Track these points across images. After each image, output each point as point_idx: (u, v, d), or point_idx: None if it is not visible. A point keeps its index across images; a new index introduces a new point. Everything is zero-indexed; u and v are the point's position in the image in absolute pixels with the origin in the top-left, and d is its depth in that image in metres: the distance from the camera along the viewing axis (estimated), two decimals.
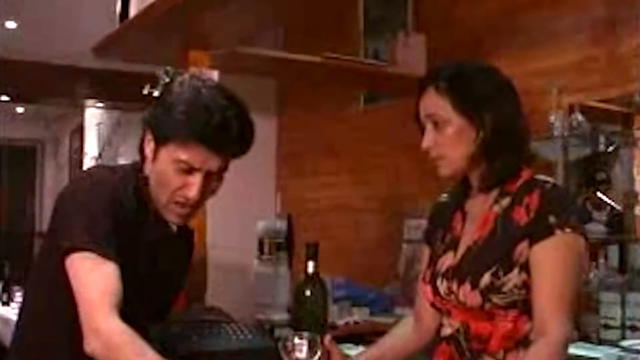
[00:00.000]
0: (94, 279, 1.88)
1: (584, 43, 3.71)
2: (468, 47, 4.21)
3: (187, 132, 1.97)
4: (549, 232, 1.94)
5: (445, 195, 2.30)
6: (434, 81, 2.06)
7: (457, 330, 2.05)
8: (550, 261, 1.94)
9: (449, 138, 2.04)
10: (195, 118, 1.97)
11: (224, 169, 2.07)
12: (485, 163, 2.05)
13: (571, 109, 3.62)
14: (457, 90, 2.03)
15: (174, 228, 2.18)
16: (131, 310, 1.89)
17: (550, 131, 3.62)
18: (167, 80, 4.32)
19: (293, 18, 4.85)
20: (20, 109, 10.96)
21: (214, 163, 2.02)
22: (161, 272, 2.16)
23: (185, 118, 1.98)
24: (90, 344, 1.84)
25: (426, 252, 2.26)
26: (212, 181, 2.06)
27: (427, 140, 2.07)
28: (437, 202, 2.32)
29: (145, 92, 5.35)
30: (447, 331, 2.09)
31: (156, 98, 4.62)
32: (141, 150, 2.10)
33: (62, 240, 1.96)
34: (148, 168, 2.08)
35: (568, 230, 1.94)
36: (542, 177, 2.05)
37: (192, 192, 2.02)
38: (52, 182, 12.45)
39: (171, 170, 2.01)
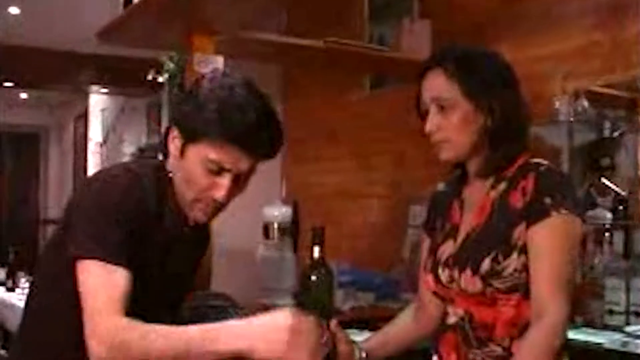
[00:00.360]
0: (100, 287, 1.83)
1: (587, 28, 3.70)
2: (472, 33, 4.21)
3: (220, 131, 1.90)
4: (545, 213, 1.92)
5: (442, 184, 2.30)
6: (442, 64, 2.03)
7: (462, 319, 2.05)
8: (546, 243, 1.93)
9: (454, 122, 2.01)
10: (229, 117, 1.90)
11: (252, 170, 2.00)
12: (488, 150, 2.04)
13: (576, 94, 3.61)
14: (467, 75, 2.01)
15: (191, 223, 2.12)
16: (144, 309, 1.87)
17: (555, 116, 3.62)
18: (171, 66, 4.32)
19: (297, 3, 4.84)
20: (23, 95, 10.95)
21: (244, 164, 1.96)
22: (176, 269, 2.13)
23: (218, 117, 1.90)
24: (94, 352, 1.77)
25: (426, 241, 2.25)
26: (240, 182, 2.00)
27: (431, 124, 2.04)
28: (435, 191, 2.32)
29: (149, 77, 5.37)
30: (451, 319, 2.09)
31: (160, 84, 4.61)
32: (165, 145, 2.05)
33: (71, 246, 1.90)
34: (173, 164, 2.03)
35: (564, 211, 1.93)
36: (537, 160, 2.03)
37: (221, 193, 1.97)
38: (56, 168, 12.44)
39: (200, 170, 1.95)
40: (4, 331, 4.99)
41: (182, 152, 1.97)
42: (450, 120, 2.02)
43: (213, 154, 1.92)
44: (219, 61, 3.32)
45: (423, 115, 2.08)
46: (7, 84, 9.57)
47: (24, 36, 7.46)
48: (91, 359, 1.78)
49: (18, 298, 5.53)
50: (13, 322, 5.18)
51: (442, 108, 2.02)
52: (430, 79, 2.06)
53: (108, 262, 1.84)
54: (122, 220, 1.90)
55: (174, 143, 2.00)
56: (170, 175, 2.04)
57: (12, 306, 5.43)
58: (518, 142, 2.05)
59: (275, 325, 1.76)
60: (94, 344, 1.76)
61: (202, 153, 1.93)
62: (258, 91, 1.99)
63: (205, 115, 1.91)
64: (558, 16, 3.82)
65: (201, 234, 2.24)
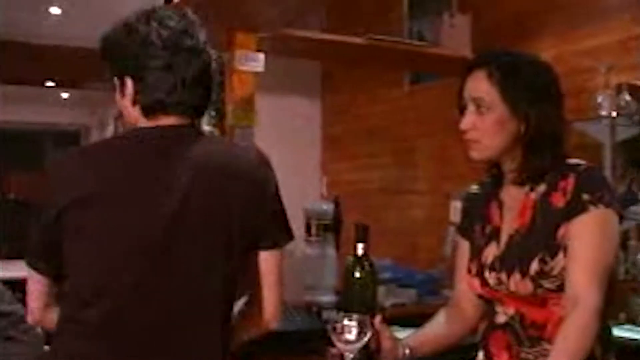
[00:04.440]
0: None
1: (627, 22, 3.67)
2: (512, 27, 4.19)
3: None
4: (583, 209, 1.95)
5: (475, 186, 2.30)
6: (487, 66, 2.05)
7: (512, 318, 2.06)
8: (583, 234, 1.95)
9: (489, 124, 2.03)
10: None
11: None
12: (521, 158, 2.05)
13: (618, 89, 3.57)
14: (509, 80, 2.02)
15: None
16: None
17: (598, 111, 3.59)
18: None
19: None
20: (65, 95, 11.04)
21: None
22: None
23: None
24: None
25: (464, 245, 2.25)
26: None
27: (467, 123, 2.06)
28: (468, 194, 2.32)
29: None
30: (501, 319, 2.09)
31: None
32: None
33: None
34: None
35: (601, 206, 1.95)
36: (575, 160, 2.05)
37: None
38: None
39: None
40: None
41: None
42: (484, 122, 2.03)
43: None
44: (261, 58, 3.33)
45: (462, 112, 2.10)
46: (49, 84, 9.67)
47: (64, 36, 7.52)
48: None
49: None
50: None
51: (479, 108, 2.04)
52: (472, 78, 2.07)
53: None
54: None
55: None
56: None
57: None
58: (552, 152, 2.05)
59: None
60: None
61: None
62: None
63: None
64: (598, 10, 3.79)
65: None
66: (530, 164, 2.04)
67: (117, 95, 2.02)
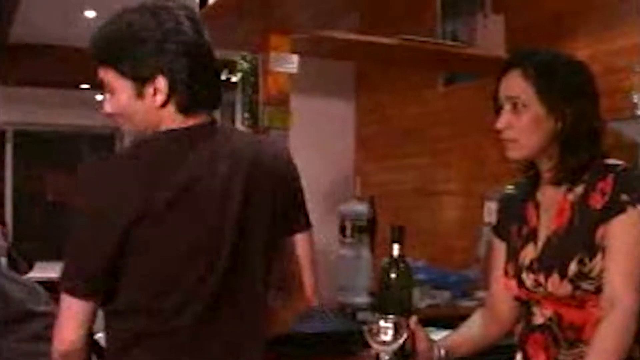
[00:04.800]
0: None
1: None
2: (547, 27, 4.16)
3: None
4: (621, 209, 1.95)
5: (511, 187, 2.30)
6: (522, 65, 2.06)
7: (550, 319, 2.05)
8: (621, 236, 1.95)
9: (525, 123, 2.04)
10: None
11: (111, 83, 1.98)
12: (558, 156, 2.05)
13: None
14: (544, 78, 2.03)
15: None
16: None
17: (634, 111, 3.56)
18: (244, 65, 4.35)
19: (370, 0, 4.84)
20: (99, 97, 11.10)
21: (101, 74, 2.01)
22: None
23: None
24: None
25: (499, 246, 2.25)
26: (110, 96, 2.01)
27: (502, 122, 2.07)
28: (504, 194, 2.32)
29: (222, 77, 5.40)
30: (538, 320, 2.09)
31: (233, 84, 4.64)
32: None
33: None
34: None
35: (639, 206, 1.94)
36: (612, 161, 2.04)
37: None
38: None
39: None
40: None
41: None
42: (520, 120, 2.04)
43: None
44: (295, 60, 3.34)
45: (497, 112, 2.10)
46: (83, 86, 9.74)
47: None
48: None
49: None
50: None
51: (515, 107, 2.05)
52: (508, 77, 2.08)
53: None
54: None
55: None
56: None
57: None
58: (589, 151, 2.05)
59: None
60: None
61: None
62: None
63: None
64: (633, 9, 3.76)
65: None
66: (567, 162, 2.04)
67: (130, 98, 1.94)
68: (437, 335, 2.34)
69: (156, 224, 1.82)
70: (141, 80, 1.92)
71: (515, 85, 2.06)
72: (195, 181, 1.89)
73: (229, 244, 1.92)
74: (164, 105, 1.93)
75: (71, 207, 1.93)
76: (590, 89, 2.09)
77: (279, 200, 2.04)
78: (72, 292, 1.87)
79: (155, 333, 1.89)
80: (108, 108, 2.00)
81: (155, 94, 1.92)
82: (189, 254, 1.88)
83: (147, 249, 1.84)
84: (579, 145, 2.03)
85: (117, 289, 1.88)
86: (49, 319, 3.77)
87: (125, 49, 1.92)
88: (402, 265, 2.16)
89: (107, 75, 1.96)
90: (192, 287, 1.88)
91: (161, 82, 1.92)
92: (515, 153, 2.08)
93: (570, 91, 2.03)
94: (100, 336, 2.83)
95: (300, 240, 2.15)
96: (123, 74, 1.93)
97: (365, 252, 3.14)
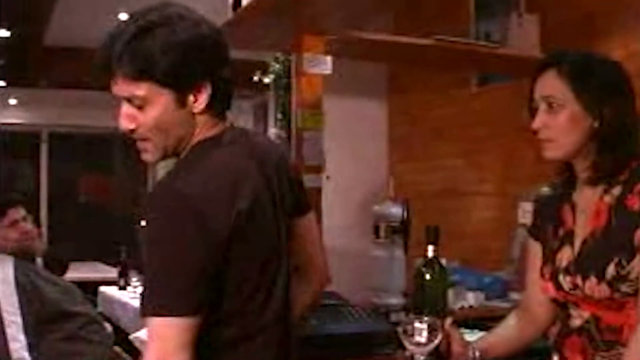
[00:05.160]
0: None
1: None
2: (581, 27, 4.13)
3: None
4: None
5: (546, 188, 2.28)
6: (558, 64, 2.05)
7: (587, 322, 2.04)
8: None
9: (561, 122, 2.03)
10: None
11: (139, 97, 1.88)
12: (595, 155, 2.04)
13: None
14: (580, 77, 2.02)
15: None
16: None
17: None
18: (277, 66, 4.36)
19: (403, 0, 4.83)
20: None
21: (115, 89, 1.90)
22: None
23: None
24: None
25: (535, 247, 2.24)
26: (139, 112, 1.90)
27: (539, 122, 2.06)
28: (540, 195, 2.31)
29: (255, 78, 5.42)
30: (576, 322, 2.07)
31: (266, 85, 4.64)
32: None
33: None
34: None
35: None
36: None
37: (119, 123, 1.95)
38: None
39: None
40: (117, 328, 5.11)
41: None
42: (557, 120, 2.02)
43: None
44: (328, 61, 3.34)
45: (533, 113, 2.09)
46: None
47: None
48: None
49: (130, 296, 5.67)
50: (126, 321, 5.30)
51: (551, 107, 2.04)
52: (543, 77, 2.07)
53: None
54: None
55: None
56: None
57: (124, 304, 5.56)
58: (626, 149, 2.03)
59: None
60: None
61: None
62: (138, 12, 1.92)
63: None
64: None
65: None
66: (604, 162, 2.02)
67: (168, 109, 1.88)
68: (471, 336, 2.33)
69: (243, 232, 1.82)
70: (184, 88, 1.88)
71: (551, 84, 2.05)
72: (259, 188, 1.91)
73: (284, 242, 2.00)
74: (202, 112, 1.91)
75: (150, 222, 1.81)
76: (626, 88, 2.08)
77: (295, 188, 2.11)
78: (170, 311, 1.74)
79: (248, 335, 1.90)
80: (130, 123, 1.94)
81: (196, 100, 1.89)
82: (266, 256, 1.92)
83: (239, 255, 1.83)
84: (615, 144, 2.01)
85: (218, 298, 1.84)
86: (84, 319, 3.82)
87: (168, 58, 1.84)
88: (437, 266, 2.16)
89: (139, 89, 1.86)
90: (270, 287, 1.92)
91: (207, 88, 1.89)
92: (551, 153, 2.07)
93: (606, 90, 2.02)
94: (134, 337, 2.85)
95: (310, 220, 2.19)
96: (164, 84, 1.86)
97: (399, 253, 3.13)
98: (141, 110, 1.89)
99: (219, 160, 1.89)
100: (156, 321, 1.74)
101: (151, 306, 1.75)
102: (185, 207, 1.76)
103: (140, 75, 1.84)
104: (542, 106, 2.05)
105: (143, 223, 1.84)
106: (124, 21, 1.91)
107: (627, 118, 2.04)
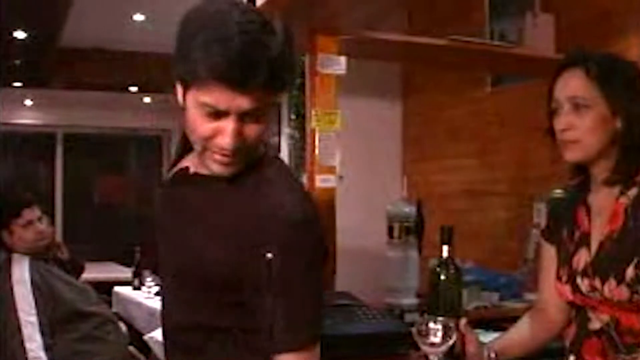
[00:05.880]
0: None
1: None
2: (596, 26, 4.12)
3: (203, 70, 1.65)
4: None
5: (559, 190, 2.27)
6: (584, 64, 2.02)
7: (607, 324, 2.02)
8: None
9: (589, 123, 2.00)
10: (210, 53, 1.64)
11: (261, 108, 1.71)
12: (616, 156, 2.02)
13: None
14: (608, 78, 2.00)
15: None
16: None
17: None
18: None
19: (418, 1, 4.82)
20: (147, 99, 11.22)
21: (243, 102, 1.66)
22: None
23: (200, 54, 1.66)
24: None
25: (549, 249, 2.23)
26: (249, 124, 1.72)
27: (564, 122, 2.03)
28: (553, 198, 2.30)
29: None
30: (595, 325, 2.06)
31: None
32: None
33: None
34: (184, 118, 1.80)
35: None
36: None
37: (225, 139, 1.70)
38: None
39: (198, 116, 1.72)
40: (131, 328, 5.13)
41: (184, 101, 1.79)
42: (584, 121, 2.00)
43: (204, 97, 1.68)
44: (343, 61, 3.33)
45: (552, 113, 2.07)
46: (131, 89, 9.84)
47: (148, 42, 7.64)
48: None
49: (144, 296, 5.69)
50: (140, 321, 5.32)
51: (577, 108, 2.01)
52: (567, 77, 2.04)
53: None
54: None
55: (179, 92, 1.82)
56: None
57: (139, 304, 5.58)
58: None
59: None
60: None
61: (196, 97, 1.71)
62: (249, 16, 1.69)
63: (189, 55, 1.69)
64: None
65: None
66: (628, 163, 2.00)
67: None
68: (486, 337, 2.32)
69: None
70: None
71: (578, 84, 2.02)
72: None
73: None
74: None
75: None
76: None
77: None
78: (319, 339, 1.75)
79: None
80: (235, 140, 1.72)
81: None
82: None
83: None
84: (638, 145, 2.00)
85: None
86: (99, 319, 3.84)
87: (294, 66, 1.75)
88: (451, 266, 2.15)
89: (265, 99, 1.71)
90: None
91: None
92: (575, 154, 2.04)
93: (633, 91, 2.00)
94: (149, 337, 2.86)
95: None
96: (283, 92, 1.77)
97: (413, 253, 3.12)
98: (260, 123, 1.75)
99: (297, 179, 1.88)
100: (314, 348, 1.74)
101: (313, 334, 1.75)
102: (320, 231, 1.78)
103: (275, 88, 1.72)
104: (566, 107, 2.03)
105: (269, 255, 1.69)
106: (248, 25, 1.66)
107: None
